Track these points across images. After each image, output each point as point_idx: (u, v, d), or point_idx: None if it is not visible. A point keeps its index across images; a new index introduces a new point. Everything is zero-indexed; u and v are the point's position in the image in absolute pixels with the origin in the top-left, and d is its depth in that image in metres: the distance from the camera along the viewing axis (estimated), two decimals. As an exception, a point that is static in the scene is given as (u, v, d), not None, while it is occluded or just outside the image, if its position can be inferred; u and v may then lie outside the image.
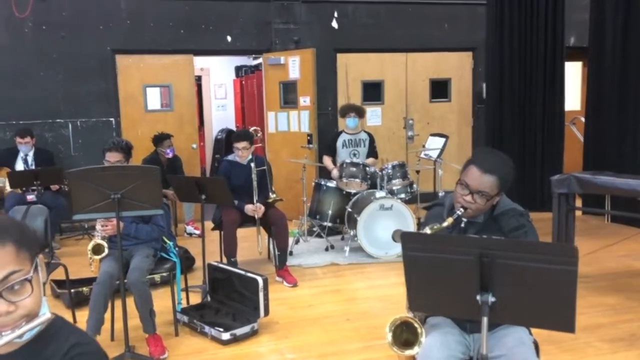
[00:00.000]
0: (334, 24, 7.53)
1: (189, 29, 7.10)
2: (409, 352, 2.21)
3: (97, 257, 3.57)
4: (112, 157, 3.69)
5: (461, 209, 2.22)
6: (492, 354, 2.15)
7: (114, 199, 3.22)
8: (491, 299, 1.73)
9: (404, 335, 2.31)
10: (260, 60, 9.16)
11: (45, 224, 3.87)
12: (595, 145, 6.70)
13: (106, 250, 3.56)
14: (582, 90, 8.69)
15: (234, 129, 10.43)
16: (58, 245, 6.17)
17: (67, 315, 3.88)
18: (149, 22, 6.95)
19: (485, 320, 1.76)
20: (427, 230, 2.18)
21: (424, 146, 6.34)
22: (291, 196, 6.77)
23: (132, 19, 6.89)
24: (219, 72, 10.71)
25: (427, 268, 1.82)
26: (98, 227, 3.60)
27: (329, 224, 5.79)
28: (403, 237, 1.83)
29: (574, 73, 9.01)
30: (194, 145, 7.38)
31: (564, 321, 1.70)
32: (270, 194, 4.95)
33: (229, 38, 7.29)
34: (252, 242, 5.41)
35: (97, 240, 3.57)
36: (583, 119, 7.45)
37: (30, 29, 6.61)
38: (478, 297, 1.74)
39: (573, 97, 8.90)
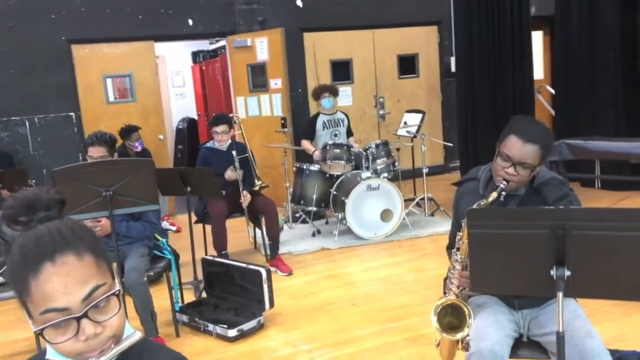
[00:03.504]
0: (299, 3, 7.31)
1: (148, 14, 6.74)
2: (459, 336, 2.09)
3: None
4: (96, 152, 3.40)
5: (504, 182, 2.11)
6: (548, 329, 2.06)
7: (106, 197, 2.98)
8: (567, 272, 1.63)
9: (447, 319, 2.20)
10: (220, 44, 8.84)
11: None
12: (565, 114, 6.78)
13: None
14: (545, 59, 8.79)
15: (196, 117, 10.08)
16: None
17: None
18: (106, 8, 6.54)
19: (560, 295, 1.65)
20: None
21: (405, 123, 6.24)
22: (269, 183, 6.57)
23: (86, 6, 6.47)
24: (174, 59, 10.29)
25: (495, 245, 1.69)
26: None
27: (314, 209, 5.64)
28: (469, 214, 1.70)
29: (535, 42, 9.08)
30: (161, 137, 7.07)
31: (644, 290, 1.62)
32: (256, 180, 4.75)
33: (190, 22, 6.97)
34: (236, 233, 5.21)
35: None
36: (549, 88, 7.53)
37: (-24, 21, 6.12)
38: (552, 272, 1.63)
39: (536, 67, 8.98)
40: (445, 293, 2.27)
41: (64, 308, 0.92)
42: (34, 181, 5.56)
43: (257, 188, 4.71)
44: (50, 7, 6.33)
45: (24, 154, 6.40)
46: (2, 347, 3.65)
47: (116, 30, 6.59)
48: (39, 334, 0.94)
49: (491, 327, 2.05)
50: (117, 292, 0.98)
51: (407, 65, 7.97)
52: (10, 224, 1.01)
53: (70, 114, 6.58)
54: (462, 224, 2.11)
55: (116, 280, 1.01)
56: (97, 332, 0.94)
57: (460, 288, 2.14)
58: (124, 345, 0.97)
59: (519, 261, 1.70)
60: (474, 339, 2.03)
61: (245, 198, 4.60)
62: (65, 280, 0.92)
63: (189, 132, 9.73)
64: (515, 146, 2.09)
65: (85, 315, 0.93)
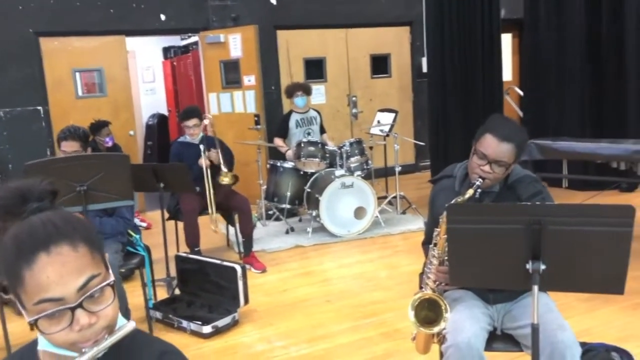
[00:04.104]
0: (272, 0, 7.30)
1: (120, 8, 6.64)
2: (436, 329, 2.14)
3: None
4: (69, 147, 3.34)
5: (479, 180, 2.16)
6: (521, 322, 2.12)
7: (80, 192, 2.94)
8: (542, 266, 1.68)
9: (423, 313, 2.24)
10: (191, 40, 8.77)
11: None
12: (534, 115, 6.93)
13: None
14: (513, 61, 8.97)
15: (166, 113, 9.97)
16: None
17: (19, 323, 3.55)
18: (76, 1, 6.42)
19: (535, 288, 1.70)
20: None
21: (379, 122, 6.30)
22: (240, 180, 6.54)
23: (56, -2, 6.34)
24: (145, 55, 10.15)
25: (473, 239, 1.74)
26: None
27: (288, 206, 5.65)
28: (448, 209, 1.74)
29: (505, 45, 9.27)
30: (132, 132, 6.97)
31: (615, 283, 1.68)
32: (223, 167, 4.62)
33: (162, 17, 6.89)
34: (208, 230, 5.17)
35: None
36: (517, 89, 7.69)
37: (-62, 11, 5.93)
38: (528, 266, 1.69)
39: (505, 69, 9.17)
40: (421, 288, 2.32)
41: (59, 298, 0.92)
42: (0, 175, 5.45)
43: (225, 179, 4.63)
44: (18, -2, 6.19)
45: (-10, 148, 6.24)
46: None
47: (87, 24, 6.47)
48: (33, 325, 0.93)
49: (467, 320, 2.10)
50: (112, 282, 0.98)
51: (380, 64, 8.04)
52: (2, 216, 1.00)
53: (38, 107, 6.43)
54: (440, 220, 2.16)
55: (110, 272, 1.01)
56: (92, 322, 0.94)
57: (437, 283, 2.19)
58: (118, 335, 0.97)
59: (496, 255, 1.75)
60: (451, 332, 2.08)
61: (208, 157, 4.52)
62: (61, 271, 0.92)
63: (159, 128, 9.61)
64: (491, 144, 2.15)
65: (80, 305, 0.93)
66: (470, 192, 2.15)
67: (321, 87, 7.71)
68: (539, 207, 1.79)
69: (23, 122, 6.36)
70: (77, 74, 6.61)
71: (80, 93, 6.65)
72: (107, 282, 0.97)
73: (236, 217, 4.79)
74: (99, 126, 5.84)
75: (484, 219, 1.72)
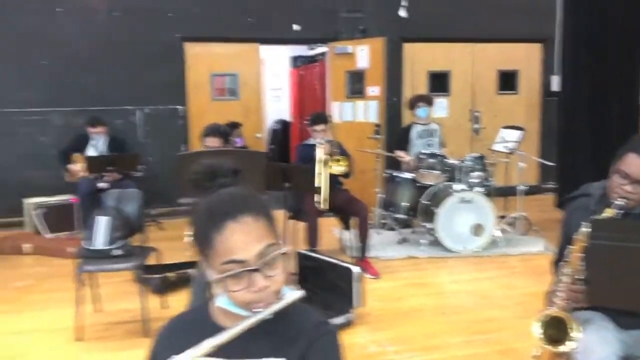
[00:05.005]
0: (402, 13, 7.39)
1: (257, 17, 7.06)
2: (563, 348, 2.08)
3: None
4: (211, 142, 3.65)
5: (622, 200, 2.09)
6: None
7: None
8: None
9: (548, 332, 2.19)
10: (318, 51, 9.09)
11: (140, 208, 3.86)
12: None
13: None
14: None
15: (289, 119, 10.38)
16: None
17: (153, 301, 3.89)
18: (218, 10, 6.92)
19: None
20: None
21: (504, 138, 6.16)
22: (357, 188, 6.67)
23: (201, 7, 6.87)
24: (274, 63, 10.66)
25: (618, 257, 1.71)
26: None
27: (403, 217, 5.68)
28: (595, 224, 1.72)
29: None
30: (259, 135, 7.36)
31: None
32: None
33: (294, 27, 7.22)
34: (324, 233, 5.34)
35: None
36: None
37: (103, 16, 6.65)
38: (676, 291, 1.62)
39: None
40: (548, 307, 2.27)
41: (242, 260, 1.06)
42: (142, 166, 5.99)
43: (335, 165, 4.69)
44: (168, 6, 6.77)
45: (134, 141, 6.85)
46: (107, 315, 3.96)
47: (226, 31, 6.95)
48: (220, 282, 1.08)
49: (598, 343, 2.03)
50: (285, 252, 1.10)
51: (507, 81, 7.85)
52: (194, 189, 1.17)
53: (178, 107, 6.99)
54: (574, 237, 2.11)
55: (281, 243, 1.14)
56: (267, 285, 1.07)
57: (568, 302, 2.14)
58: (288, 300, 1.09)
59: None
60: (580, 352, 2.02)
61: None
62: (245, 237, 1.06)
63: (282, 134, 10.05)
64: (634, 163, 2.07)
65: (258, 269, 1.06)
66: (609, 211, 2.08)
67: (444, 101, 7.66)
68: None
69: (164, 120, 6.94)
70: (215, 78, 7.11)
71: (215, 95, 7.14)
72: (282, 251, 1.10)
73: (354, 222, 4.90)
74: (233, 127, 6.25)
75: (632, 236, 1.68)
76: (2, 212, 6.40)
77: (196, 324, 1.18)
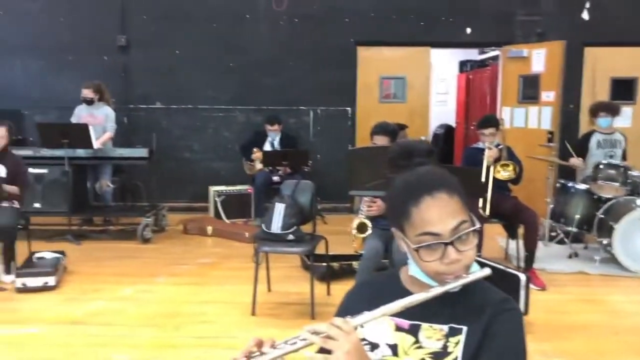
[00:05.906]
0: (585, 15, 6.95)
1: (429, 21, 7.11)
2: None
3: (361, 235, 3.73)
4: (380, 140, 3.79)
5: None
6: None
7: (389, 179, 3.30)
8: None
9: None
10: (488, 55, 8.88)
11: (312, 198, 4.13)
12: None
13: (369, 230, 3.69)
14: None
15: (454, 125, 10.26)
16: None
17: (321, 289, 4.12)
18: (391, 14, 7.09)
19: None
20: None
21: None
22: (525, 196, 6.41)
23: (375, 11, 7.09)
24: (442, 67, 10.62)
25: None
26: (364, 207, 3.73)
27: (574, 230, 5.35)
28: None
29: None
30: (423, 138, 7.39)
31: None
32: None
33: (468, 30, 7.14)
34: (486, 240, 5.23)
35: (362, 219, 3.71)
36: None
37: (285, 21, 7.16)
38: None
39: None
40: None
41: (437, 233, 1.16)
42: (311, 162, 6.37)
43: (502, 170, 4.62)
44: (344, 11, 7.10)
45: (304, 139, 7.28)
46: (277, 295, 4.29)
47: (397, 35, 7.10)
48: (415, 251, 1.19)
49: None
50: (479, 229, 1.18)
51: None
52: (392, 167, 1.29)
53: (347, 108, 7.29)
54: None
55: (474, 219, 1.22)
56: (458, 259, 1.16)
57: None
58: (476, 275, 1.16)
59: None
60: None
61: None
62: (440, 212, 1.16)
63: (445, 138, 9.97)
64: None
65: (452, 243, 1.15)
66: None
67: (628, 110, 7.05)
68: None
69: (333, 120, 7.29)
70: (383, 80, 7.30)
71: (382, 98, 7.33)
72: (474, 228, 1.18)
73: (521, 230, 4.75)
74: (399, 128, 6.36)
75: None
76: (191, 197, 7.20)
77: (388, 287, 1.29)
